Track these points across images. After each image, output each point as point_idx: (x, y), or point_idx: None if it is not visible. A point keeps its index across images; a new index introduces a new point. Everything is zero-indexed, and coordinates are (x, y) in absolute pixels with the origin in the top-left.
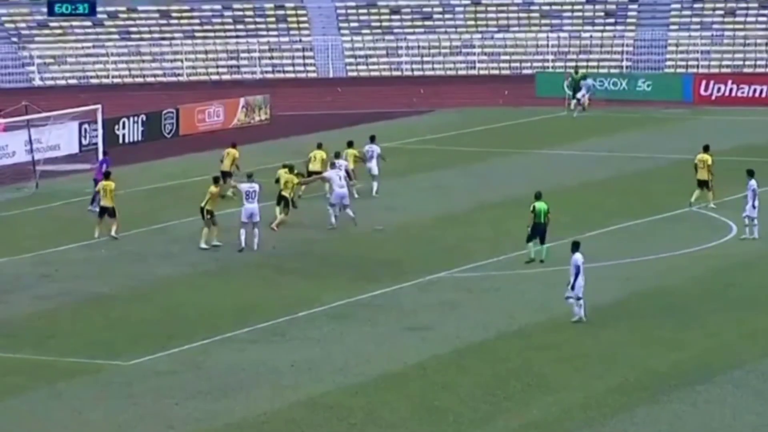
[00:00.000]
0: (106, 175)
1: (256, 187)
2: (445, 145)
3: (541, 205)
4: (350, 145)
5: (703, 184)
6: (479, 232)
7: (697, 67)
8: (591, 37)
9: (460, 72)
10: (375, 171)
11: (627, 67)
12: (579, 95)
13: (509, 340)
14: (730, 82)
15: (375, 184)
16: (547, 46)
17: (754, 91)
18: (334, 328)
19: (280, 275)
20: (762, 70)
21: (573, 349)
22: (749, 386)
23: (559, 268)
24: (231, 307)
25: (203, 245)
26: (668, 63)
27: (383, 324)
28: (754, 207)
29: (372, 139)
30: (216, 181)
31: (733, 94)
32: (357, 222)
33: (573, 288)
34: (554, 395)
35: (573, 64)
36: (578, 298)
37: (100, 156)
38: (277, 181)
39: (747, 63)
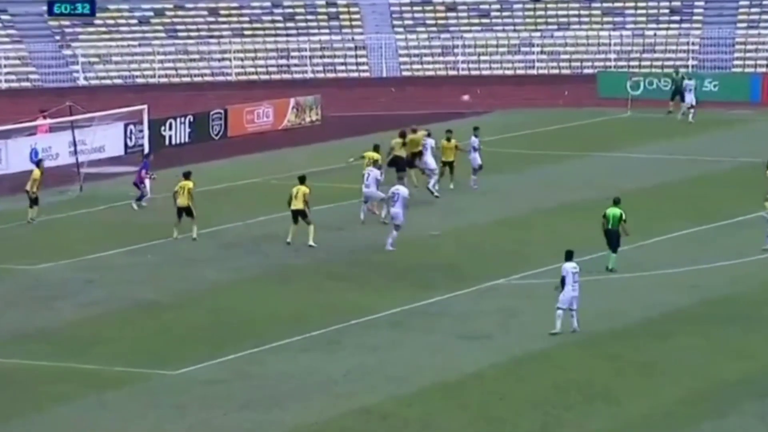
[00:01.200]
0: (186, 175)
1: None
2: (503, 147)
3: (613, 211)
4: (376, 149)
5: None
6: (537, 238)
7: (767, 66)
8: (655, 35)
9: (519, 71)
10: (431, 165)
11: (693, 66)
12: (690, 100)
13: (570, 348)
14: None
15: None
16: (609, 44)
17: None
18: (388, 336)
19: (333, 281)
20: None
21: (637, 358)
22: None
23: (622, 275)
24: (282, 314)
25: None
26: (736, 62)
27: (439, 332)
28: None
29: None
30: (302, 180)
31: None
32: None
33: (559, 296)
34: (616, 407)
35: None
36: (571, 310)
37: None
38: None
39: None
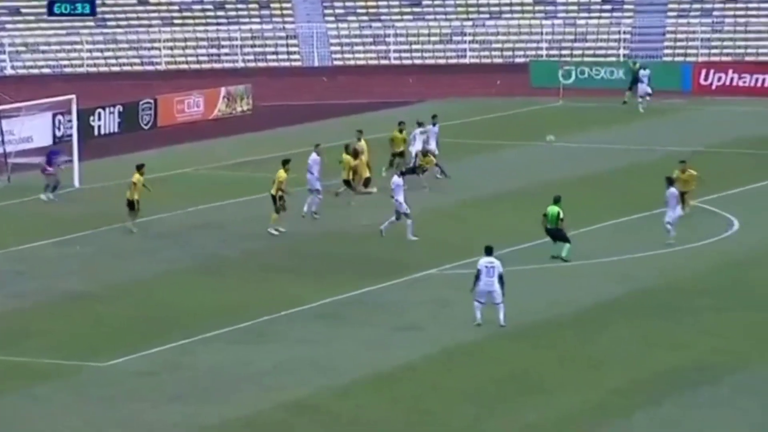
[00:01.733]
0: (139, 168)
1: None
2: (443, 135)
3: (552, 210)
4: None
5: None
6: (471, 227)
7: (697, 55)
8: (587, 24)
9: (450, 61)
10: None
11: (624, 55)
12: (644, 90)
13: (502, 340)
14: (731, 71)
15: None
16: (541, 33)
17: (756, 80)
18: (320, 328)
19: (265, 272)
20: (765, 58)
21: (570, 349)
22: (753, 389)
23: (554, 265)
24: (213, 306)
25: (272, 231)
26: (666, 51)
27: (371, 323)
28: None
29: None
30: (285, 164)
31: (734, 83)
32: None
33: (473, 290)
34: (550, 398)
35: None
36: (494, 304)
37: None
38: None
39: (749, 51)
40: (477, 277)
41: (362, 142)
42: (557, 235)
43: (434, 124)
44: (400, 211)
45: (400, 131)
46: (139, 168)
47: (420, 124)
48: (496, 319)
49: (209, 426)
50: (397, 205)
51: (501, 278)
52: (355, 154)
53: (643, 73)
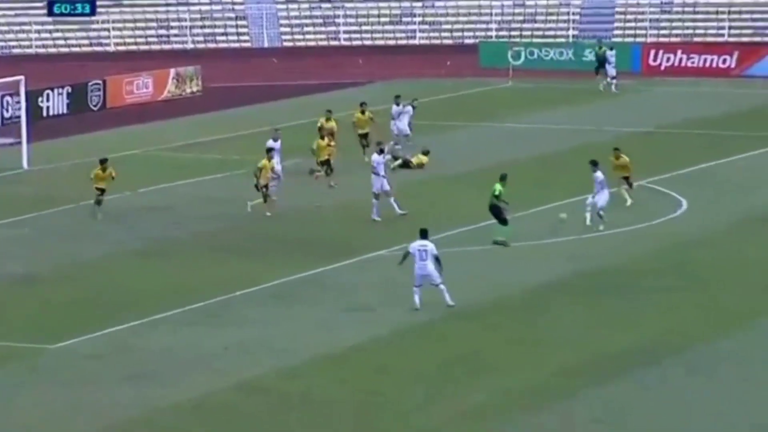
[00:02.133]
0: (102, 162)
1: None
2: (386, 117)
3: (494, 187)
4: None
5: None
6: (421, 209)
7: (646, 36)
8: (536, 5)
9: (400, 42)
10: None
11: (573, 36)
12: (612, 72)
13: (451, 321)
14: (680, 51)
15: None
16: (491, 14)
17: (705, 61)
18: (271, 309)
19: (216, 254)
20: (713, 39)
21: (519, 330)
22: (699, 368)
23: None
24: (164, 288)
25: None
26: (616, 32)
27: (322, 304)
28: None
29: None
30: (268, 152)
31: (683, 64)
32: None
33: (400, 263)
34: (498, 379)
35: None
36: (434, 285)
37: None
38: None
39: (697, 32)
40: (404, 257)
41: (332, 122)
42: (496, 214)
43: (413, 106)
44: (377, 191)
45: (362, 112)
46: (102, 162)
47: (397, 99)
48: (443, 300)
49: (160, 408)
50: (377, 182)
51: (437, 259)
52: (323, 135)
53: (609, 55)
